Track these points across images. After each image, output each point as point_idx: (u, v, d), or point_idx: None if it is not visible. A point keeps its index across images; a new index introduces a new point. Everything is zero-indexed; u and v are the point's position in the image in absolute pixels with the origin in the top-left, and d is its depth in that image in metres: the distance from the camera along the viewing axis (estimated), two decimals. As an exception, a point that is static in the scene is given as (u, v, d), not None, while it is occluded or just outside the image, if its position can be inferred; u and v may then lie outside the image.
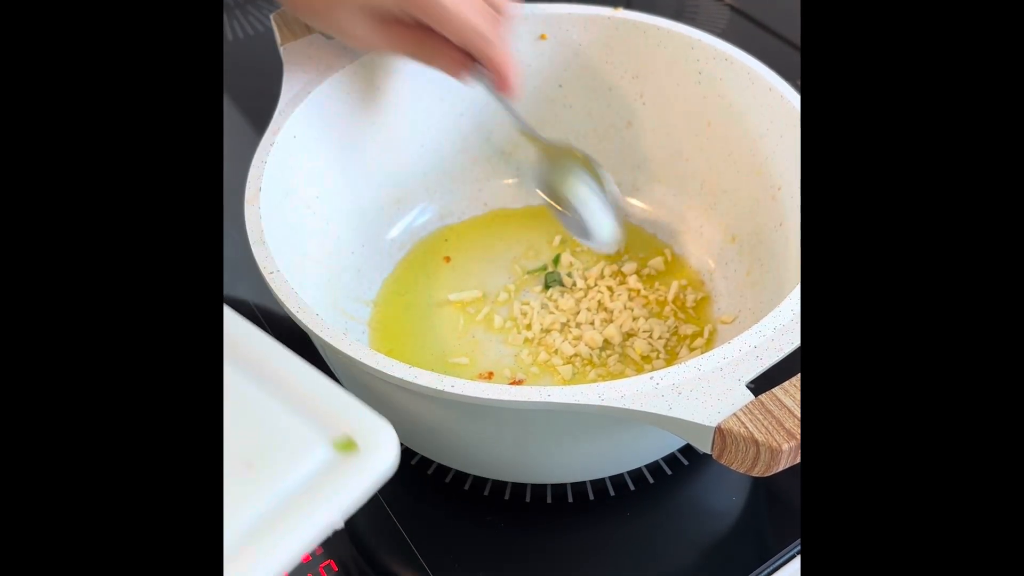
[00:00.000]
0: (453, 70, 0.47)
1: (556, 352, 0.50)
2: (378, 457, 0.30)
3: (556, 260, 0.55)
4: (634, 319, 0.51)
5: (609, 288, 0.53)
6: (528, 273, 0.54)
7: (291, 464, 0.30)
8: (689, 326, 0.51)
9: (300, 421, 0.31)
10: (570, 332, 0.51)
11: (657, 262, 0.54)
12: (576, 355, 0.50)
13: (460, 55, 0.46)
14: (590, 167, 0.51)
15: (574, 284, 0.53)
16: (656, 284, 0.54)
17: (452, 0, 0.44)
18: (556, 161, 0.52)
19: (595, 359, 0.50)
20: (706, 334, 0.50)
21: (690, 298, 0.53)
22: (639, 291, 0.53)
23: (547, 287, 0.53)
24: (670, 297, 0.52)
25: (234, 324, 0.34)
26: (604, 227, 0.51)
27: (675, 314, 0.52)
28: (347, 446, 0.30)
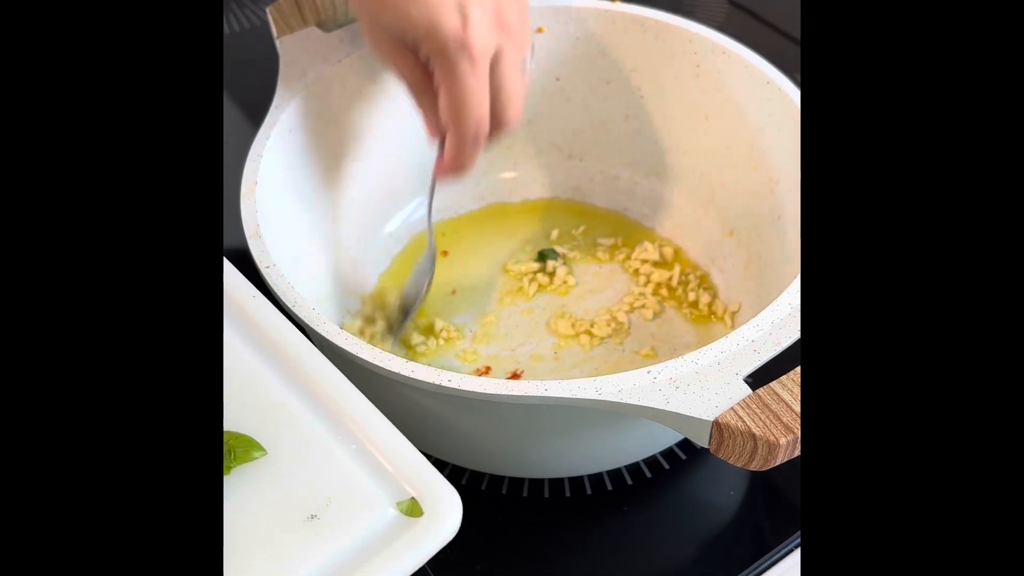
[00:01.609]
0: (429, 128, 0.45)
1: (553, 347, 0.50)
2: (441, 526, 0.30)
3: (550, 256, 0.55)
4: (630, 313, 0.51)
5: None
6: (521, 265, 0.54)
7: (353, 521, 0.30)
8: (687, 320, 0.51)
9: (369, 478, 0.31)
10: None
11: (654, 256, 0.54)
12: (573, 349, 0.50)
13: (441, 124, 0.44)
14: None
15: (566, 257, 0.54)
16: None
17: (473, 87, 0.41)
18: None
19: (591, 354, 0.50)
20: (704, 328, 0.50)
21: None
22: (637, 283, 0.53)
23: (542, 258, 0.54)
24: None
25: (324, 369, 0.34)
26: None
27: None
28: (412, 510, 0.30)
